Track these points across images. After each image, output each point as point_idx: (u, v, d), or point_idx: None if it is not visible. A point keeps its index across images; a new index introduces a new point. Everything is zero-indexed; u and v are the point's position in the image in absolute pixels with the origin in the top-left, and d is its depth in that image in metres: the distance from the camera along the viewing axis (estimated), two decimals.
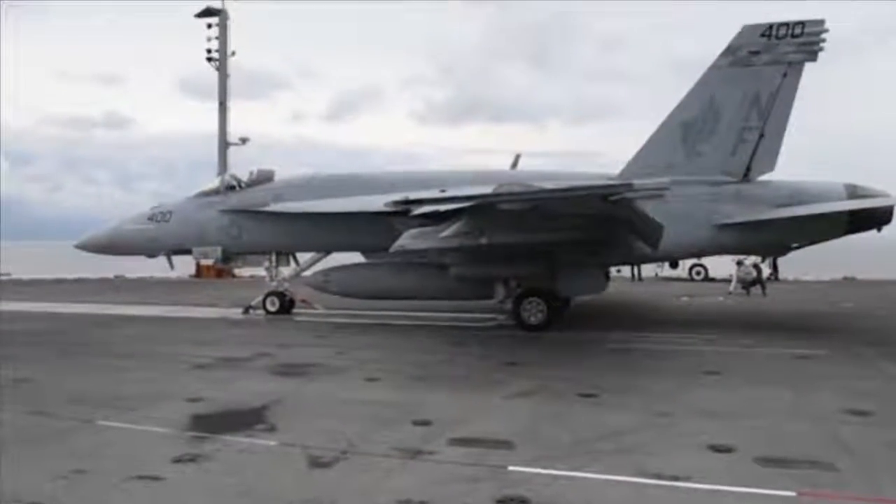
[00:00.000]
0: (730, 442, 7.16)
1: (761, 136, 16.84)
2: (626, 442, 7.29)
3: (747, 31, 16.91)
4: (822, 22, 16.60)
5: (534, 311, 15.88)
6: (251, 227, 19.03)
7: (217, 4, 38.24)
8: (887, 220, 16.92)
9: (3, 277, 37.75)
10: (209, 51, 38.49)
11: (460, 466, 6.52)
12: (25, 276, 37.55)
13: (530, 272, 16.25)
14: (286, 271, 20.50)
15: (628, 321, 18.22)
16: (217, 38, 38.42)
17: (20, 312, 21.19)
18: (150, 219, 19.64)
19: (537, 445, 7.18)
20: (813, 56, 16.71)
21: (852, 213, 16.48)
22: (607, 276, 19.10)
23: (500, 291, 16.63)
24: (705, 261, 31.92)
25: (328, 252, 19.97)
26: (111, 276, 35.74)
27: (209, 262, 21.68)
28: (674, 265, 32.15)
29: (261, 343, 14.43)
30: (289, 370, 11.47)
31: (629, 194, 11.84)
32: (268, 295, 20.22)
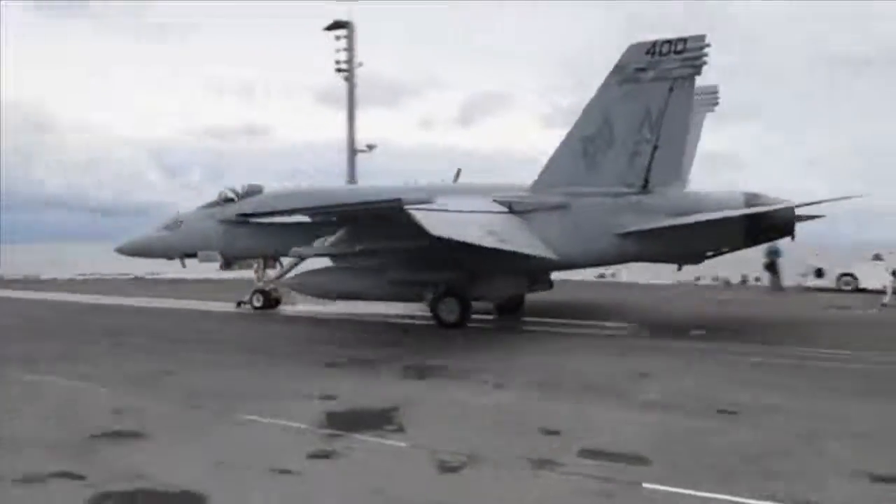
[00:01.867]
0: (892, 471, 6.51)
1: (655, 148, 17.45)
2: (770, 464, 6.78)
3: (633, 49, 17.46)
4: (703, 37, 17.02)
5: (448, 311, 17.90)
6: (241, 234, 21.56)
7: (344, 17, 39.77)
8: (788, 230, 17.58)
9: (156, 276, 41.01)
10: (338, 62, 40.08)
11: (591, 480, 6.32)
12: (177, 276, 40.46)
13: (448, 277, 17.96)
14: (272, 273, 23.08)
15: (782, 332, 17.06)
16: (346, 49, 39.97)
17: (151, 309, 23.43)
18: (166, 228, 22.69)
19: (671, 462, 6.83)
20: (697, 70, 17.17)
21: (751, 221, 17.07)
22: (549, 281, 20.56)
23: (428, 294, 18.51)
24: (855, 269, 29.76)
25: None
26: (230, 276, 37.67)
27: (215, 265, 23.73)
28: (819, 274, 29.82)
29: (392, 345, 14.74)
30: (419, 372, 11.61)
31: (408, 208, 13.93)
32: (254, 292, 22.91)
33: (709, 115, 22.82)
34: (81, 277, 38.72)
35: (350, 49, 40.09)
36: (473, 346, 14.73)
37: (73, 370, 11.55)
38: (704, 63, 17.11)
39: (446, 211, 16.07)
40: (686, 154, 19.51)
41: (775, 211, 17.03)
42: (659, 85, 17.37)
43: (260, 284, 22.95)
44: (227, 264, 22.93)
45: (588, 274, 29.87)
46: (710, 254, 18.98)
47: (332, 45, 39.98)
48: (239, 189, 22.37)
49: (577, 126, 18.22)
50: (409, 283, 18.40)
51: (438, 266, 17.69)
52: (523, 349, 14.45)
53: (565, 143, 18.33)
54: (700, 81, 18.02)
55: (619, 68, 17.64)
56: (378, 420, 8.35)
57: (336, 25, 39.98)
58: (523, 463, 6.75)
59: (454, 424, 8.32)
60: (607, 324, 18.54)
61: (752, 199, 17.43)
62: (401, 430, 7.99)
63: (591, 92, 18.25)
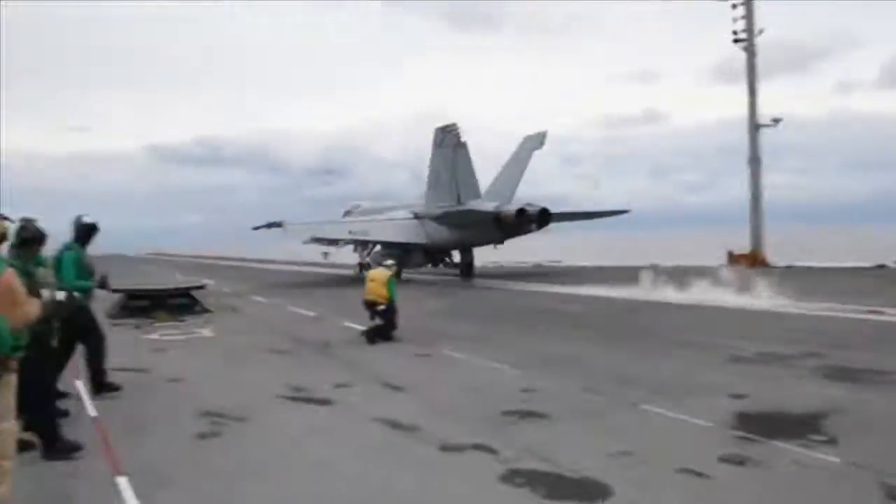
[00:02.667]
0: None
1: (457, 181, 32.27)
2: None
3: (438, 130, 32.90)
4: (454, 125, 32.36)
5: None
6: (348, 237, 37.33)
7: None
8: (519, 225, 31.07)
9: (554, 264, 43.49)
10: (735, 32, 37.07)
11: None
12: (575, 264, 42.36)
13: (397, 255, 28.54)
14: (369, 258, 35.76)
15: None
16: (743, 17, 36.77)
17: (569, 295, 23.94)
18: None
19: None
20: (461, 143, 32.06)
21: (497, 220, 30.71)
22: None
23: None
24: None
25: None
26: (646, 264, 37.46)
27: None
28: None
29: (805, 341, 12.92)
30: (844, 374, 9.87)
31: None
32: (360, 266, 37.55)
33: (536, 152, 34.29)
34: (493, 265, 42.85)
35: (748, 16, 36.74)
36: None
37: (487, 350, 12.55)
38: (461, 138, 31.89)
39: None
40: (512, 179, 33.71)
41: (500, 211, 30.57)
42: (449, 150, 32.36)
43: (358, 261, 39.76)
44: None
45: None
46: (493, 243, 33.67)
47: (727, 14, 37.18)
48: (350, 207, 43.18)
49: (430, 169, 34.55)
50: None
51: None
52: None
53: (428, 183, 34.73)
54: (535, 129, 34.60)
55: (435, 139, 33.09)
56: (800, 427, 7.19)
57: None
58: None
59: None
60: None
61: (503, 206, 30.79)
62: (832, 442, 6.73)
63: None
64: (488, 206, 30.90)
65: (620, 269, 30.15)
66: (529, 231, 31.86)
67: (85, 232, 9.41)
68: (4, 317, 4.41)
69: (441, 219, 33.03)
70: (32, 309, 4.50)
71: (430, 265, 36.00)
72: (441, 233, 33.34)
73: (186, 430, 7.64)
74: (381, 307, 14.33)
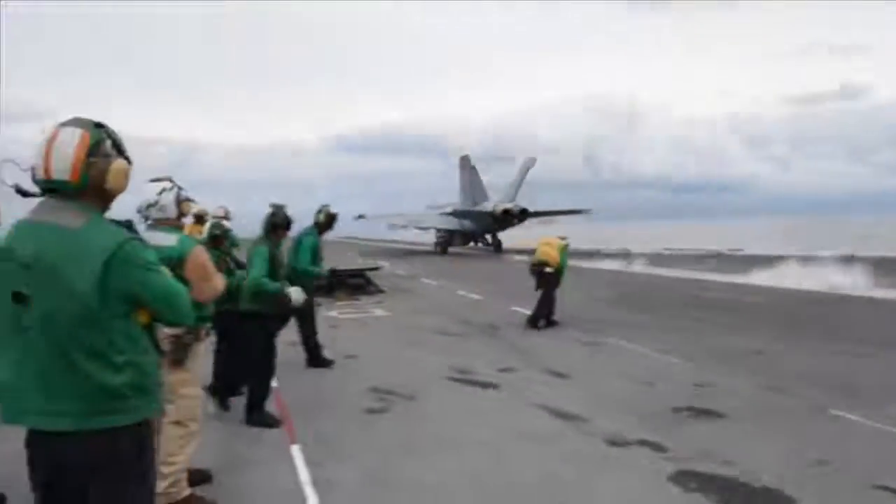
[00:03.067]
0: None
1: (472, 191, 52.56)
2: None
3: (461, 158, 55.51)
4: (468, 156, 55.25)
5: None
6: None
7: None
8: (505, 219, 47.29)
9: (734, 252, 40.67)
10: None
11: None
12: (758, 253, 39.43)
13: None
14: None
15: None
16: None
17: (747, 286, 22.25)
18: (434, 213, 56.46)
19: None
20: (473, 167, 53.63)
21: (491, 215, 47.37)
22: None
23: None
24: None
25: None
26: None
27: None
28: None
29: None
30: None
31: None
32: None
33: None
34: (668, 252, 40.97)
35: None
36: None
37: (656, 341, 11.98)
38: (472, 163, 54.04)
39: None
40: (512, 189, 48.87)
41: (493, 210, 47.11)
42: (467, 171, 54.23)
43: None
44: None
45: None
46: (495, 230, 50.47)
47: None
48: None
49: (459, 184, 55.91)
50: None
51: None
52: None
53: (460, 191, 55.22)
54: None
55: (459, 164, 56.33)
56: None
57: None
58: None
59: None
60: None
61: (497, 206, 46.54)
62: None
63: None
64: (487, 206, 47.37)
65: (808, 258, 27.51)
66: (514, 224, 47.06)
67: (327, 221, 10.29)
68: (194, 290, 4.80)
69: (461, 214, 51.54)
70: (220, 284, 4.84)
71: (471, 244, 54.09)
72: (463, 224, 51.20)
73: (357, 405, 7.97)
74: (549, 270, 14.05)
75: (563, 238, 14.76)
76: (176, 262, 4.74)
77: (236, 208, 12.37)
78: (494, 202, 47.43)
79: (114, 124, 2.79)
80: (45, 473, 2.59)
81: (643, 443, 6.51)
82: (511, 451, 6.36)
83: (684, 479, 5.59)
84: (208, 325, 5.12)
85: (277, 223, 7.48)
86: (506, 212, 45.78)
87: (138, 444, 2.68)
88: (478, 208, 49.03)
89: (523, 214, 46.58)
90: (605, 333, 12.92)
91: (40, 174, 2.58)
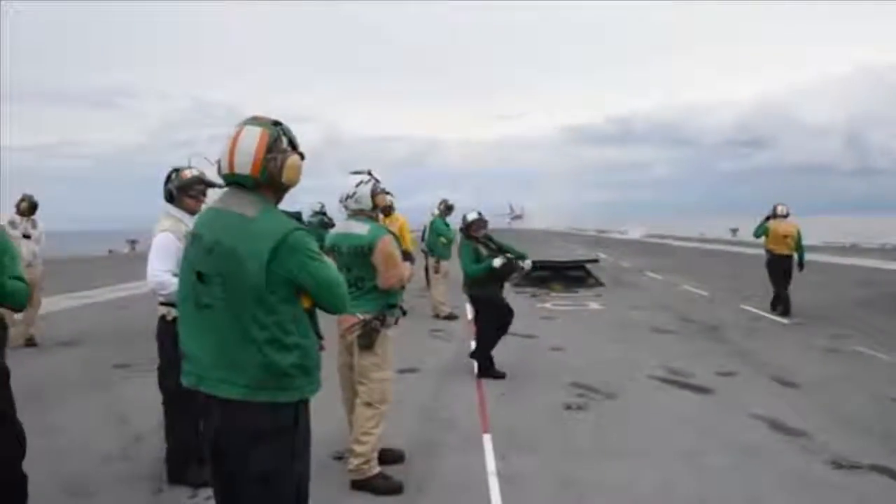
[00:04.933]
0: None
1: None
2: None
3: None
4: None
5: None
6: None
7: None
8: None
9: None
10: None
11: None
12: None
13: None
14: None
15: None
16: None
17: None
18: None
19: None
20: None
21: None
22: None
23: None
24: None
25: None
26: None
27: None
28: None
29: None
30: None
31: None
32: None
33: None
34: None
35: None
36: None
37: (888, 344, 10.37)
38: None
39: None
40: None
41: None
42: None
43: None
44: None
45: None
46: None
47: None
48: None
49: None
50: None
51: None
52: None
53: None
54: None
55: None
56: None
57: None
58: None
59: None
60: None
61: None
62: None
63: None
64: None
65: None
66: None
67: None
68: (379, 276, 5.06)
69: None
70: (405, 273, 5.04)
71: None
72: None
73: (555, 400, 7.84)
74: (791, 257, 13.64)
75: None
76: (366, 249, 5.05)
77: (476, 200, 13.25)
78: None
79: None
80: (214, 435, 2.91)
81: (878, 469, 5.59)
82: (715, 464, 5.82)
83: None
84: (398, 312, 5.32)
85: (468, 224, 9.12)
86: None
87: (295, 418, 2.92)
88: None
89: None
90: (849, 339, 11.35)
91: (225, 168, 2.87)
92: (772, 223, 13.86)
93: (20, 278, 3.98)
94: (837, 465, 5.74)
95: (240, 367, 2.77)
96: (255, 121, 2.90)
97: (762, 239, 14.04)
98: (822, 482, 5.42)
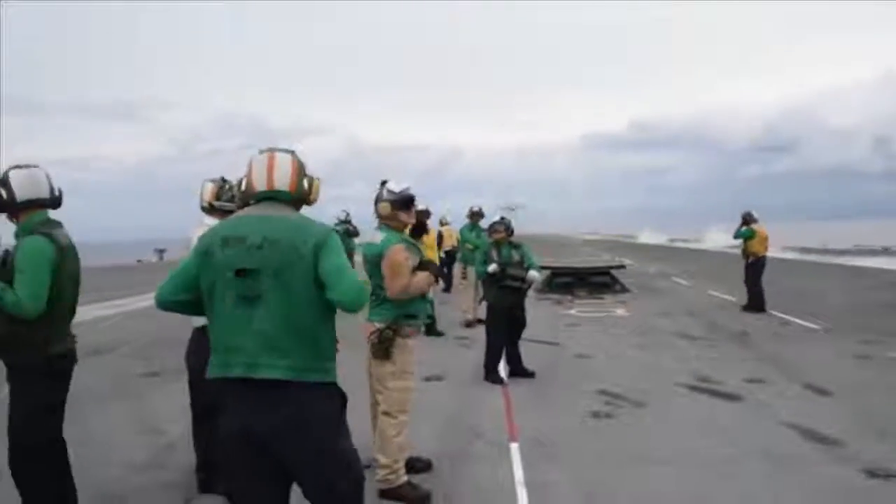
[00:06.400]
0: None
1: None
2: None
3: None
4: None
5: None
6: None
7: None
8: None
9: None
10: None
11: None
12: None
13: None
14: None
15: None
16: None
17: None
18: None
19: None
20: None
21: None
22: None
23: None
24: None
25: None
26: None
27: None
28: None
29: None
30: None
31: None
32: None
33: None
34: None
35: None
36: None
37: None
38: None
39: None
40: None
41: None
42: None
43: None
44: None
45: None
46: None
47: None
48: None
49: None
50: None
51: None
52: None
53: None
54: None
55: None
56: None
57: None
58: None
59: None
60: None
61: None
62: None
63: None
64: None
65: None
66: None
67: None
68: (385, 284, 5.12)
69: None
70: (405, 283, 5.08)
71: None
72: None
73: (582, 408, 7.79)
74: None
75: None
76: (379, 258, 5.15)
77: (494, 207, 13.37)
78: None
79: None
80: (255, 420, 3.00)
81: None
82: (747, 473, 5.74)
83: None
84: (414, 323, 5.33)
85: (488, 227, 9.64)
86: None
87: (342, 402, 3.15)
88: None
89: None
90: (883, 345, 11.14)
91: (263, 185, 3.21)
92: (755, 227, 15.18)
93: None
94: (872, 473, 5.62)
95: (293, 350, 2.96)
96: (281, 149, 3.29)
97: (740, 241, 15.61)
98: (856, 491, 5.32)
